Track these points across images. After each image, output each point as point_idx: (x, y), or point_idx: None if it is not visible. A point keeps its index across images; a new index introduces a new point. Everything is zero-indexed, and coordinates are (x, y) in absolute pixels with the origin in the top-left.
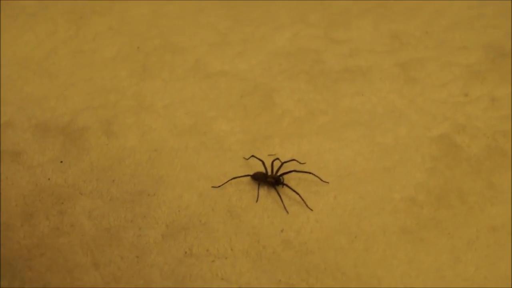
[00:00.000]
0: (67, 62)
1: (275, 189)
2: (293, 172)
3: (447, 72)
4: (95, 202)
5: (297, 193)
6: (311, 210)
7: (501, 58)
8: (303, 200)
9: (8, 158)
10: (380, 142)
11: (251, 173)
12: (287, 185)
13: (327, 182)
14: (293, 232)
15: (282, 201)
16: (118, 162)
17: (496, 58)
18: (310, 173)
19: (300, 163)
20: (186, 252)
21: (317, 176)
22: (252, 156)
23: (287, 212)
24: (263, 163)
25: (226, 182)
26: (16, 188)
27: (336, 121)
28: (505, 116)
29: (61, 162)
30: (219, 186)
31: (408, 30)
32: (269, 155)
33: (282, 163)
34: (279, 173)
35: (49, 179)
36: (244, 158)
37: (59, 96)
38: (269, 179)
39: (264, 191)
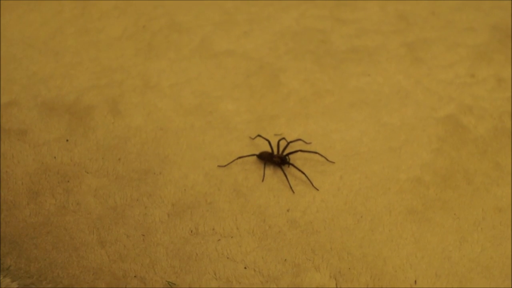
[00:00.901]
0: (72, 41)
1: (281, 168)
2: (299, 152)
3: (453, 53)
4: (101, 181)
5: (303, 173)
6: (317, 189)
7: (507, 39)
8: (309, 179)
9: (14, 136)
10: (386, 123)
11: (257, 152)
12: (293, 165)
13: (333, 162)
14: (299, 211)
15: (288, 180)
16: (124, 141)
17: (503, 39)
18: (316, 153)
19: (306, 143)
20: (192, 231)
21: (323, 156)
22: (258, 135)
23: (293, 191)
24: (269, 142)
25: (232, 161)
26: (22, 166)
27: (342, 101)
28: (511, 97)
29: (67, 140)
30: (225, 166)
31: (415, 11)
32: (275, 134)
33: (288, 143)
34: (285, 153)
35: (55, 157)
36: (250, 137)
37: (65, 75)
38: (275, 159)
39: (270, 170)
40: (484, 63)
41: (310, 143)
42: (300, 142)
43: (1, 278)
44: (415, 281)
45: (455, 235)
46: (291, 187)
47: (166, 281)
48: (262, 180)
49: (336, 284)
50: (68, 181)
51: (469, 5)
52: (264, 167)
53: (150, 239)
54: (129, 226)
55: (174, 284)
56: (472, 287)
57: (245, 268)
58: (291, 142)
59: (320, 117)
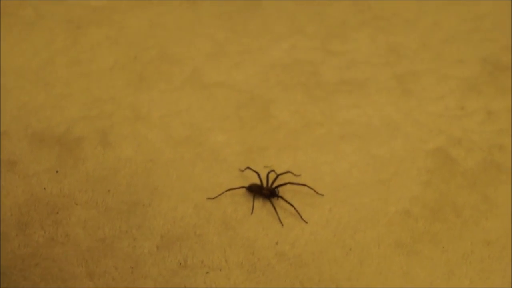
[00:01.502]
0: (63, 72)
1: (270, 201)
2: (288, 184)
3: (443, 85)
4: (90, 212)
5: (292, 206)
6: (306, 222)
7: (497, 71)
8: (298, 212)
9: (4, 167)
10: (375, 155)
11: (246, 184)
12: (282, 197)
13: (322, 195)
14: (287, 244)
15: (277, 213)
16: (113, 172)
17: (493, 71)
18: (305, 185)
19: (295, 175)
20: (180, 264)
21: (312, 189)
22: (248, 167)
23: (282, 224)
24: (259, 175)
25: (221, 193)
26: (11, 197)
27: (332, 133)
28: (501, 129)
29: (57, 171)
30: (214, 198)
31: (405, 43)
32: (264, 166)
33: (278, 175)
34: (274, 185)
35: (44, 188)
36: (239, 169)
37: (55, 105)
38: (264, 191)
39: (259, 203)
40: (473, 96)
41: (299, 175)
42: (289, 174)
43: None
44: None
45: (443, 268)
46: (280, 220)
47: None
48: (251, 213)
49: None
50: (58, 213)
51: (459, 38)
52: (253, 200)
53: (139, 271)
54: (118, 258)
55: None
56: None
57: None
58: (280, 174)
59: (309, 149)
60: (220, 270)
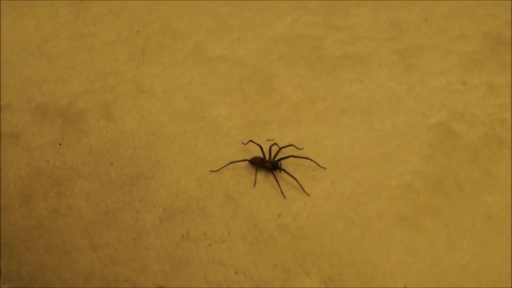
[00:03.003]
0: (66, 46)
1: (273, 174)
2: (291, 158)
3: (445, 60)
4: (93, 185)
5: (295, 178)
6: (308, 195)
7: (500, 46)
8: (300, 185)
9: (7, 140)
10: (378, 129)
11: (249, 157)
12: (284, 170)
13: (325, 168)
14: (290, 217)
15: (279, 186)
16: (116, 145)
17: (495, 46)
18: (307, 158)
19: (298, 148)
20: (183, 236)
21: (314, 162)
22: (250, 141)
23: (284, 197)
24: (261, 148)
25: (224, 166)
26: (14, 170)
27: (334, 108)
28: (503, 104)
29: (60, 144)
30: (217, 171)
31: (408, 18)
32: (267, 140)
33: (280, 148)
34: (276, 158)
35: (47, 161)
36: (242, 143)
37: (59, 79)
38: (267, 164)
39: (261, 176)
40: (476, 70)
41: (301, 148)
42: (292, 147)
43: None
44: (405, 287)
45: (445, 241)
46: (282, 193)
47: (157, 285)
48: (254, 185)
49: None
50: (61, 185)
51: (462, 13)
52: (256, 172)
53: (141, 243)
54: (121, 230)
55: None
56: None
57: (235, 273)
58: (283, 147)
59: (312, 123)
60: (223, 242)
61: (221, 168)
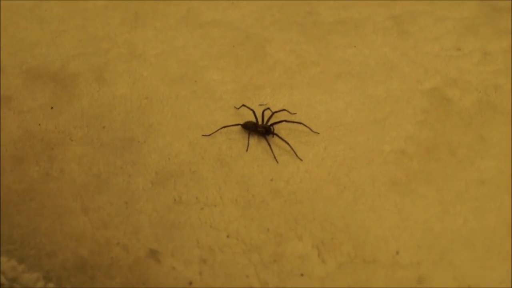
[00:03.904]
0: (58, 9)
1: (265, 138)
2: (284, 122)
3: (440, 26)
4: (85, 148)
5: (287, 143)
6: (301, 160)
7: (495, 12)
8: (293, 150)
9: None
10: (371, 94)
11: (242, 122)
12: (277, 135)
13: (318, 133)
14: (282, 181)
15: (272, 150)
16: (108, 109)
17: (490, 12)
18: (300, 123)
19: (290, 113)
20: (175, 200)
21: (307, 127)
22: (243, 105)
23: (277, 161)
24: (254, 112)
25: (216, 130)
26: (6, 133)
27: (327, 73)
28: (497, 70)
29: (52, 108)
30: (209, 135)
31: None
32: (260, 104)
33: (273, 113)
34: (269, 123)
35: (39, 124)
36: (234, 107)
37: (51, 42)
38: (260, 129)
39: (254, 140)
40: (470, 37)
41: (294, 113)
42: (284, 112)
43: None
44: (397, 252)
45: (437, 206)
46: (275, 157)
47: (149, 248)
48: (246, 150)
49: (318, 254)
50: (52, 149)
51: None
52: (249, 137)
53: (133, 207)
54: (113, 194)
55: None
56: (454, 258)
57: (227, 236)
58: (275, 112)
59: (305, 88)
60: (215, 206)
61: (213, 133)
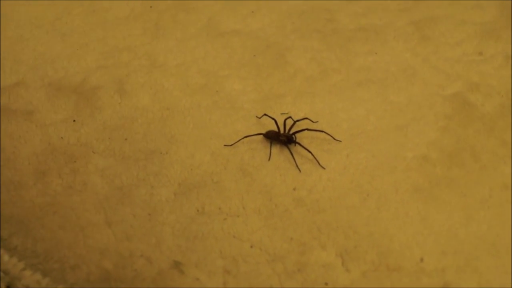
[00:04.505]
0: (80, 22)
1: (288, 147)
2: (306, 131)
3: (461, 31)
4: (108, 161)
5: (310, 152)
6: (324, 168)
7: None
8: (315, 158)
9: (21, 117)
10: (393, 101)
11: (264, 131)
12: (299, 144)
13: (340, 141)
14: (305, 190)
15: (294, 159)
16: (130, 121)
17: (511, 15)
18: (322, 131)
19: (312, 121)
20: (198, 210)
21: (329, 135)
22: (265, 114)
23: (299, 170)
24: (276, 121)
25: (238, 140)
26: (29, 146)
27: (349, 80)
28: None
29: (74, 121)
30: (231, 145)
31: None
32: (281, 113)
33: (295, 122)
34: (291, 132)
35: (62, 137)
36: (256, 116)
37: (72, 55)
38: (282, 138)
39: (276, 149)
40: (491, 41)
41: (316, 122)
42: (306, 120)
43: (8, 258)
44: (421, 259)
45: (461, 213)
46: (297, 166)
47: (172, 260)
48: (269, 159)
49: (342, 263)
50: (75, 161)
51: None
52: (271, 146)
53: (156, 218)
54: (136, 206)
55: None
56: (479, 264)
57: (251, 247)
58: (297, 121)
59: (326, 96)
60: (238, 216)
61: (235, 142)
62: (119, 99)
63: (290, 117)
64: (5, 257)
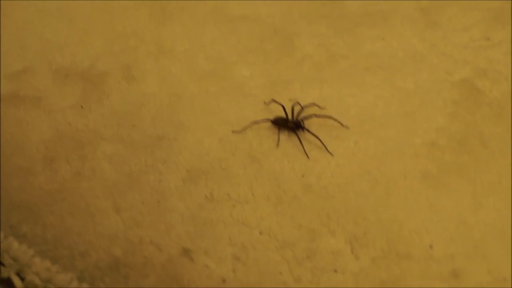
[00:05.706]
0: (87, 8)
1: (296, 133)
2: (314, 117)
3: (469, 16)
4: (116, 147)
5: (318, 138)
6: (332, 154)
7: None
8: (323, 144)
9: (29, 103)
10: (401, 87)
11: (272, 117)
12: (307, 130)
13: (348, 127)
14: (313, 176)
15: (302, 145)
16: (138, 107)
17: None
18: (330, 117)
19: (320, 107)
20: (207, 197)
21: (337, 121)
22: (273, 100)
23: (308, 156)
24: (284, 107)
25: (247, 127)
26: (37, 133)
27: (356, 66)
28: None
29: (82, 107)
30: (239, 131)
31: None
32: (289, 99)
33: (303, 108)
34: (299, 118)
35: (69, 124)
36: (264, 102)
37: (79, 41)
38: (290, 124)
39: (284, 135)
40: (499, 26)
41: (324, 108)
42: (314, 107)
43: (17, 245)
44: (431, 245)
45: (470, 199)
46: (305, 152)
47: (181, 246)
48: (277, 146)
49: (351, 249)
50: (83, 148)
51: None
52: (279, 132)
53: (165, 205)
54: (144, 192)
55: None
56: (487, 251)
57: (260, 233)
58: (305, 106)
59: (334, 82)
60: (247, 203)
61: (243, 129)
62: (126, 85)
63: (298, 103)
64: (15, 244)
